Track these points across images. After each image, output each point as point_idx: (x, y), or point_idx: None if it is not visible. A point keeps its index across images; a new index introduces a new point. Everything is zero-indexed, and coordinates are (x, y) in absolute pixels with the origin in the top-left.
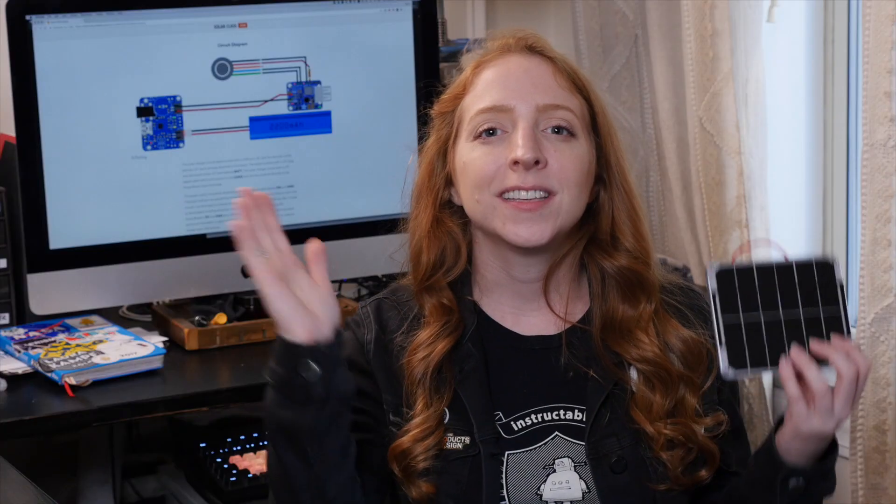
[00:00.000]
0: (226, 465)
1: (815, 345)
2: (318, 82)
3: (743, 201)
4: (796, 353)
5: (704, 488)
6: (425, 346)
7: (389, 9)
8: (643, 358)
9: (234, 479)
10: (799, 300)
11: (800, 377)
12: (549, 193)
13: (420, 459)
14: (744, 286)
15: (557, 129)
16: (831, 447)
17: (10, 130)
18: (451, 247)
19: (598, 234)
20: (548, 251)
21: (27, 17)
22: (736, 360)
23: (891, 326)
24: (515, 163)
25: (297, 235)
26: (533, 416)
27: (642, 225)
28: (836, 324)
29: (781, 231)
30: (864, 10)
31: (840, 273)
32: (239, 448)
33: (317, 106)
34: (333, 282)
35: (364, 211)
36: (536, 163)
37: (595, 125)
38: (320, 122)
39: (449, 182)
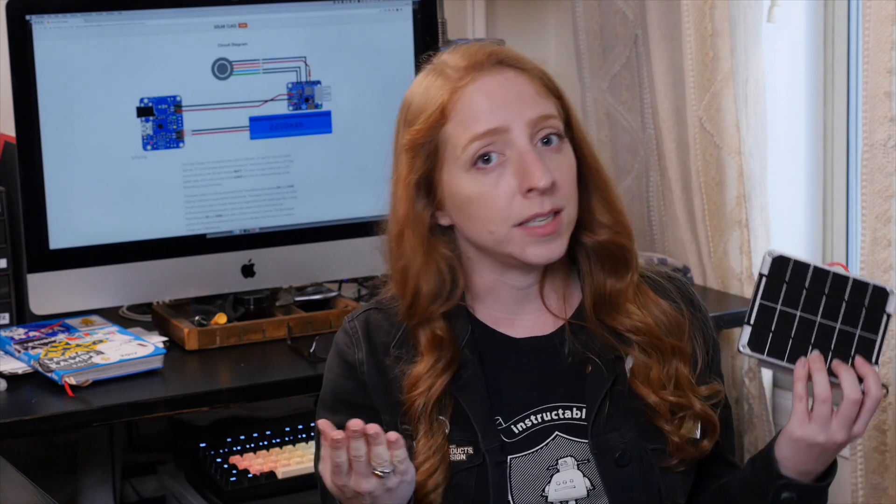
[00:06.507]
0: (226, 465)
1: (837, 359)
2: (318, 82)
3: (743, 201)
4: (815, 358)
5: (698, 477)
6: (425, 380)
7: (389, 9)
8: (636, 328)
9: (234, 479)
10: (841, 313)
11: (809, 380)
12: (559, 210)
13: (430, 491)
14: (794, 280)
15: (546, 140)
16: (830, 469)
17: (10, 130)
18: (447, 273)
19: (577, 213)
20: None
21: (27, 17)
22: (756, 342)
23: (891, 326)
24: (530, 190)
25: (297, 235)
26: (533, 418)
27: (616, 200)
28: (866, 348)
29: (781, 231)
30: (864, 10)
31: (892, 306)
32: (239, 448)
33: (317, 106)
34: (333, 282)
35: (364, 211)
36: (552, 184)
37: (569, 120)
38: (320, 122)
39: (436, 207)
